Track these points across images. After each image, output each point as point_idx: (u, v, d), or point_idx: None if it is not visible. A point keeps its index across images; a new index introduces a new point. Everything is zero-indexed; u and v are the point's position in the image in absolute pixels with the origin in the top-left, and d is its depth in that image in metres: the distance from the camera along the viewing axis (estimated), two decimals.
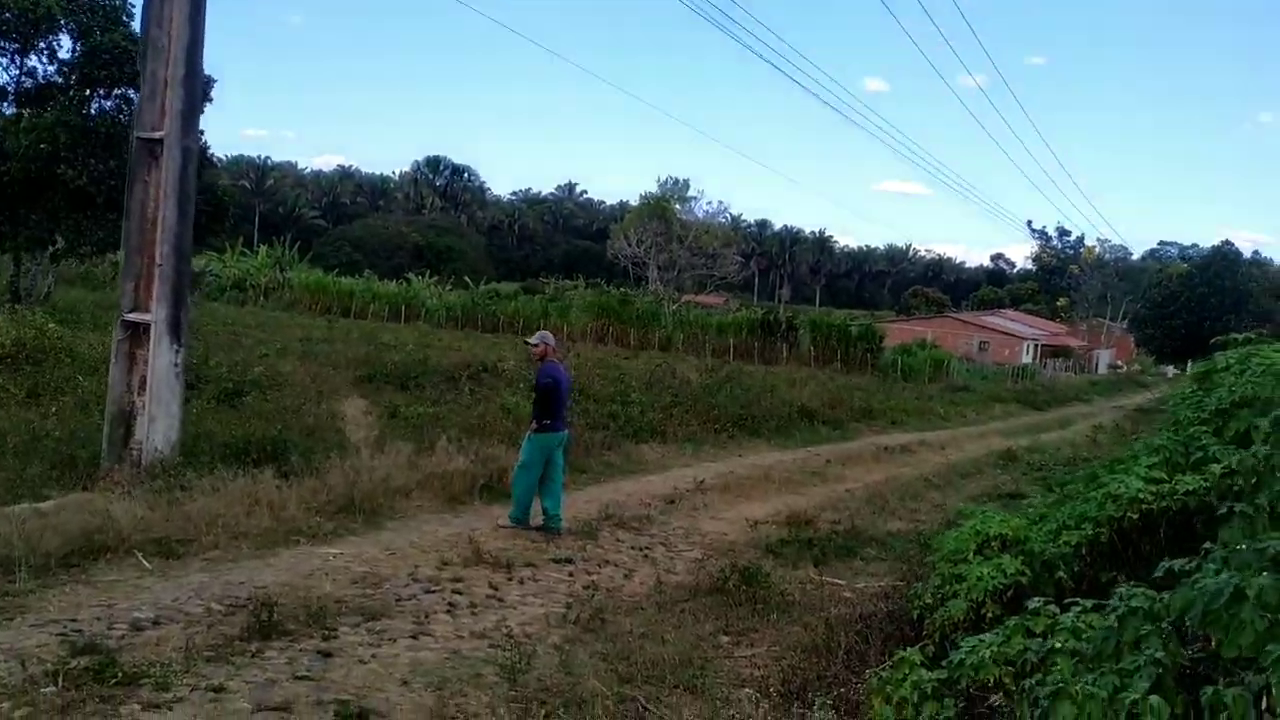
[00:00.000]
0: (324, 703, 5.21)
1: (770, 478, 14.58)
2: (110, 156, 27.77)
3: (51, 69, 28.33)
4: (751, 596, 7.67)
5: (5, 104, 28.99)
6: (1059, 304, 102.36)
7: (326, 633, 6.35)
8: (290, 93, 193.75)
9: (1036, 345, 74.73)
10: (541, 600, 7.61)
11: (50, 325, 19.30)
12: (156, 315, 9.70)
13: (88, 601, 6.55)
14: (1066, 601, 4.20)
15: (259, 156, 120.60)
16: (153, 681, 5.17)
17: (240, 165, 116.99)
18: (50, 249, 29.24)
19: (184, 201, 9.79)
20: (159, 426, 9.70)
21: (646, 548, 9.74)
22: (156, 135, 9.69)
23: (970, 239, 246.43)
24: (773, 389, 25.23)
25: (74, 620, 6.14)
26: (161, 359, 9.72)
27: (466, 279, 67.91)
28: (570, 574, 8.45)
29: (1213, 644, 3.32)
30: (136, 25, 29.70)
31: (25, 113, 28.55)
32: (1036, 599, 4.33)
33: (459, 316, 52.39)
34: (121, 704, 4.93)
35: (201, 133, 30.96)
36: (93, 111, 27.73)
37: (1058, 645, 3.67)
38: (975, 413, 33.97)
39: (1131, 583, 3.95)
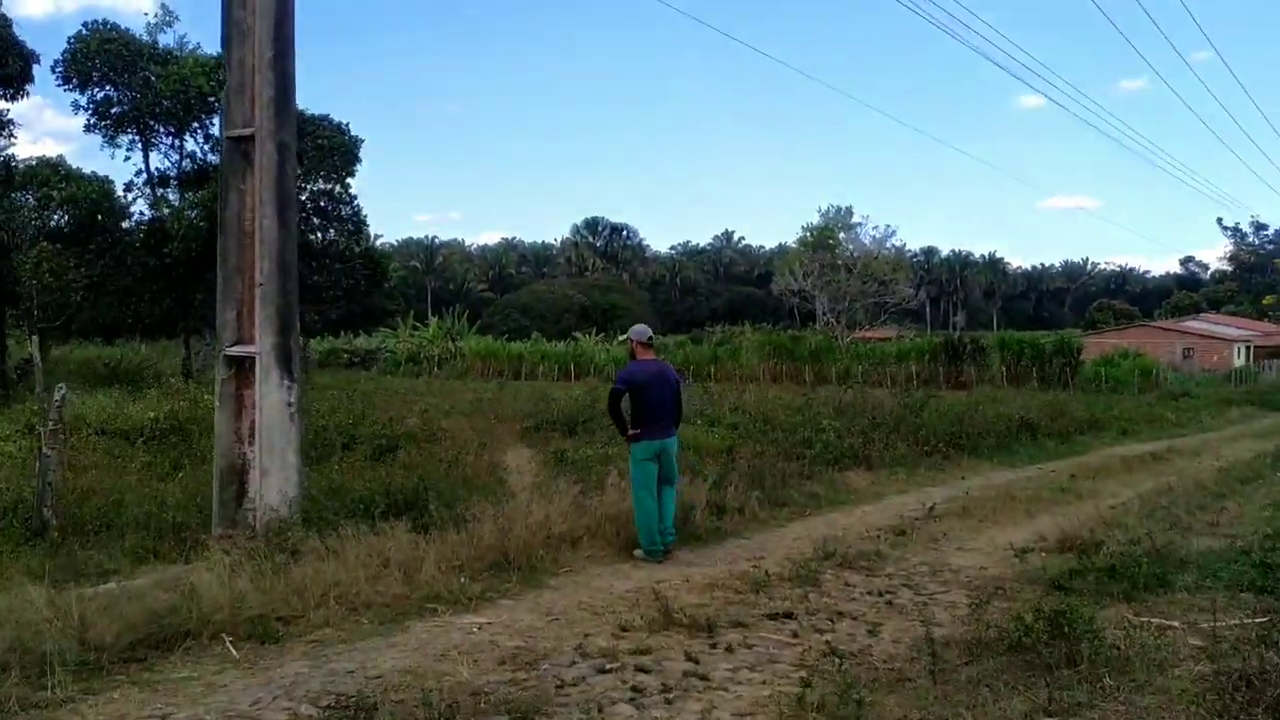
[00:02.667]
0: None
1: (1013, 498, 11.90)
2: None
3: (207, 147, 28.58)
4: (1069, 654, 5.23)
5: (169, 190, 29.36)
6: (1265, 302, 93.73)
7: None
8: (454, 176, 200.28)
9: (1248, 347, 67.89)
10: (762, 675, 5.38)
11: (206, 397, 18.49)
12: (261, 345, 8.07)
13: (137, 712, 4.72)
14: None
15: (427, 237, 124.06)
16: None
17: (411, 247, 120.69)
18: (209, 331, 29.31)
19: (284, 207, 8.19)
20: (273, 481, 8.02)
21: (887, 592, 7.37)
22: (247, 132, 8.15)
23: (1150, 248, 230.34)
24: (978, 406, 22.32)
25: None
26: (271, 398, 8.07)
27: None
28: (795, 634, 6.17)
29: None
30: None
31: (187, 195, 28.83)
32: None
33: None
34: None
35: (327, 165, 30.49)
36: None
37: None
38: (1209, 417, 30.02)
39: None
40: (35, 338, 25.05)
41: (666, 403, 8.84)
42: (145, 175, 29.08)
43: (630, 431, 8.70)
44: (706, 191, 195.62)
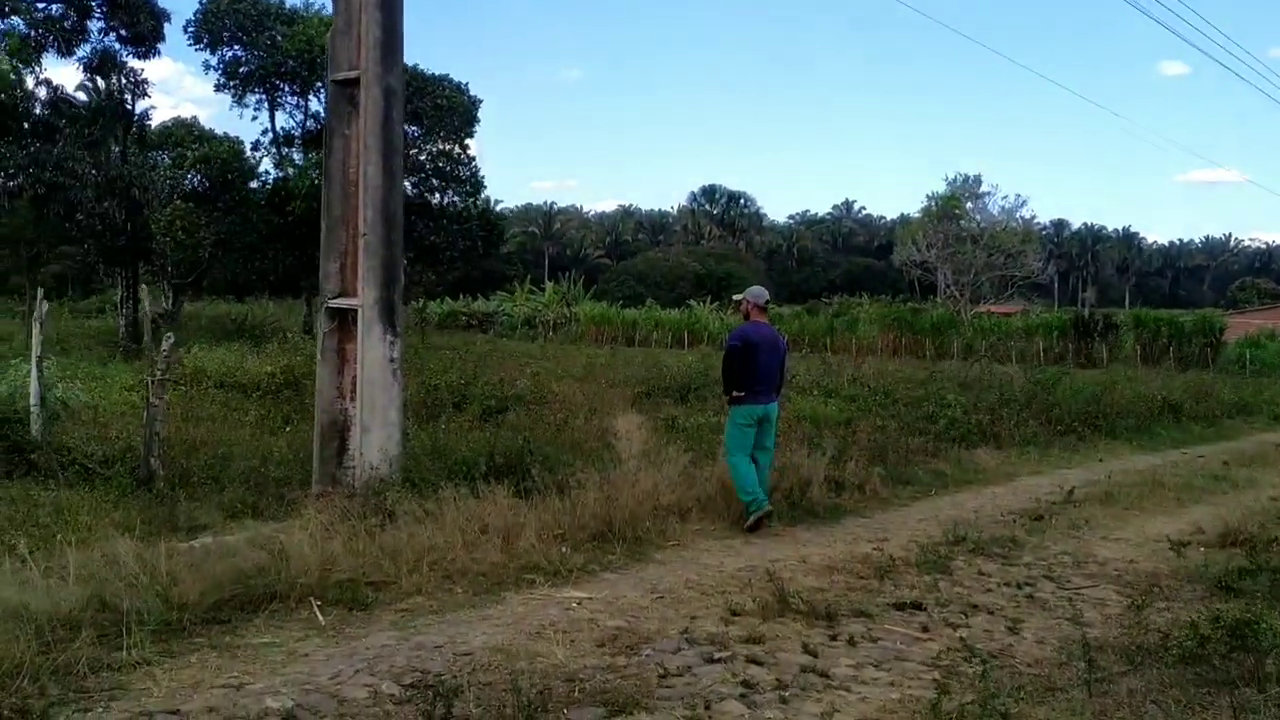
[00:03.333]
0: None
1: (1161, 484, 10.93)
2: None
3: None
4: (1255, 670, 4.51)
5: (293, 150, 29.73)
6: None
7: None
8: (572, 142, 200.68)
9: None
10: (889, 674, 4.79)
11: None
12: (364, 298, 7.77)
13: (213, 680, 4.42)
14: None
15: (546, 203, 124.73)
16: None
17: (529, 213, 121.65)
18: None
19: (389, 154, 7.84)
20: (374, 439, 7.74)
21: (1027, 583, 6.66)
22: (352, 75, 7.82)
23: None
24: (1115, 385, 20.97)
25: (173, 714, 4.02)
26: (373, 353, 7.78)
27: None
28: (925, 628, 5.54)
29: None
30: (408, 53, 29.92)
31: (310, 155, 29.12)
32: None
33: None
34: None
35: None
36: None
37: None
38: None
39: None
40: (145, 288, 25.64)
41: (774, 369, 8.56)
42: (271, 135, 29.53)
43: (735, 392, 8.34)
44: (827, 160, 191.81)
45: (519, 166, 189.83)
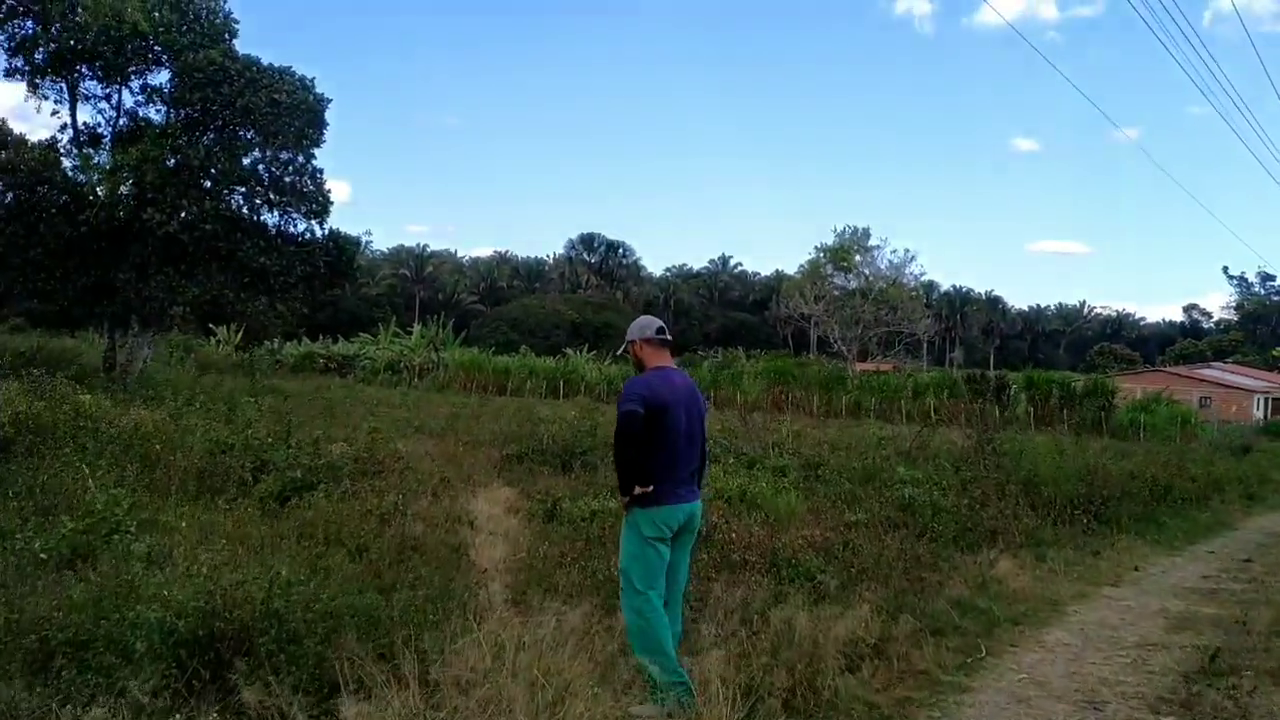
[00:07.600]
0: None
1: None
2: (205, 197, 22.82)
3: (141, 98, 23.76)
4: None
5: (100, 151, 24.55)
6: (1275, 354, 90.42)
7: None
8: (449, 188, 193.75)
9: (1268, 399, 63.73)
10: None
11: (86, 397, 13.86)
12: None
13: None
14: None
15: (418, 245, 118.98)
16: None
17: (400, 255, 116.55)
18: (134, 319, 24.07)
19: None
20: None
21: None
22: None
23: (1142, 296, 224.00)
24: (1061, 454, 17.59)
25: None
26: None
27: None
28: None
29: None
30: (239, 43, 25.31)
31: (119, 155, 23.94)
32: None
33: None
34: None
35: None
36: (187, 147, 22.67)
37: None
38: None
39: None
40: None
41: (695, 441, 5.29)
42: (71, 132, 24.30)
43: (638, 490, 4.91)
44: (704, 215, 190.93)
45: (393, 208, 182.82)
